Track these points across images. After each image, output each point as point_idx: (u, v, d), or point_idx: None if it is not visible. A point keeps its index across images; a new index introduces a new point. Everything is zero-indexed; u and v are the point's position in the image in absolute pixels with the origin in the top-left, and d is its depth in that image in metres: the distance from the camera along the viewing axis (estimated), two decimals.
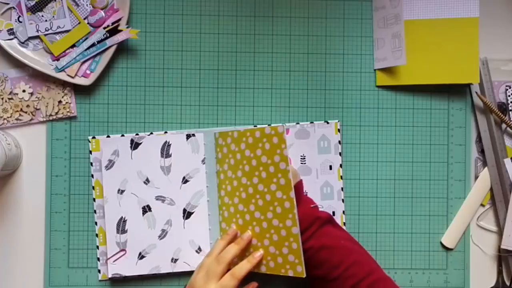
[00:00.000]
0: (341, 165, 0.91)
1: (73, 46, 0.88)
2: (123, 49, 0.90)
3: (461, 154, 0.92)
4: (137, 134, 0.89)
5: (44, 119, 0.89)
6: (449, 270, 0.92)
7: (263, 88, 0.91)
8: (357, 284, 0.77)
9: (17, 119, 0.89)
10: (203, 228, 0.88)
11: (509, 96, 0.91)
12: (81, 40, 0.88)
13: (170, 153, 0.88)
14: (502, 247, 0.90)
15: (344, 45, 0.92)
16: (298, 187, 0.83)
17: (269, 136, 0.80)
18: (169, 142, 0.89)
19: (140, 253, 0.88)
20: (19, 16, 0.88)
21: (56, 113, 0.89)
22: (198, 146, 0.89)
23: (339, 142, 0.90)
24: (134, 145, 0.88)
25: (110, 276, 0.88)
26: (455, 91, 0.92)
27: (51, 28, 0.88)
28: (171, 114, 0.90)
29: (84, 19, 0.88)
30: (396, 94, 0.92)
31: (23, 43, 0.88)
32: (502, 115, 0.90)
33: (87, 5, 0.88)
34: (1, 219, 0.90)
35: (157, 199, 0.88)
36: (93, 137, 0.89)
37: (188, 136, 0.89)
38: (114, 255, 0.88)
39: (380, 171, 0.91)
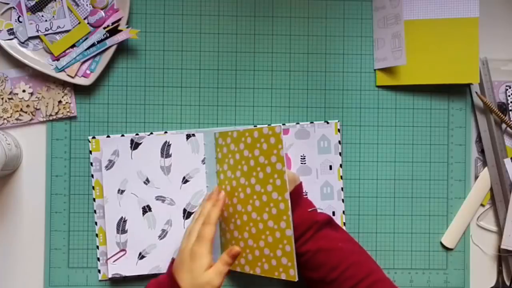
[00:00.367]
0: (341, 165, 0.91)
1: (73, 46, 0.88)
2: (123, 49, 0.90)
3: (461, 154, 0.92)
4: (137, 134, 0.89)
5: (44, 119, 0.89)
6: (449, 270, 0.92)
7: (263, 88, 0.91)
8: (355, 286, 0.77)
9: (17, 119, 0.89)
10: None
11: (509, 96, 0.91)
12: (81, 40, 0.88)
13: (170, 153, 0.88)
14: (502, 247, 0.90)
15: (344, 45, 0.92)
16: (298, 190, 0.82)
17: (267, 136, 0.80)
18: (169, 142, 0.89)
19: (140, 253, 0.88)
20: (19, 16, 0.88)
21: (56, 113, 0.89)
22: (198, 146, 0.89)
23: (339, 142, 0.90)
24: (134, 145, 0.88)
25: (110, 276, 0.88)
26: (455, 91, 0.92)
27: (51, 28, 0.88)
28: (171, 114, 0.90)
29: (84, 19, 0.88)
30: (396, 94, 0.92)
31: (23, 43, 0.88)
32: (502, 115, 0.90)
33: (87, 5, 0.88)
34: (1, 219, 0.90)
35: (157, 199, 0.88)
36: (93, 137, 0.89)
37: (188, 136, 0.89)
38: (114, 255, 0.88)
39: (380, 171, 0.91)
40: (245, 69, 0.91)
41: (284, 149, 0.78)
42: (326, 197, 0.90)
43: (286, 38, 0.91)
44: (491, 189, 0.92)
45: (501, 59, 0.92)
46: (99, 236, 0.89)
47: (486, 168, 0.92)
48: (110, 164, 0.88)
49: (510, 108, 0.91)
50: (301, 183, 0.84)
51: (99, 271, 0.89)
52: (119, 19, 0.88)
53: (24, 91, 0.89)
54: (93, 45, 0.88)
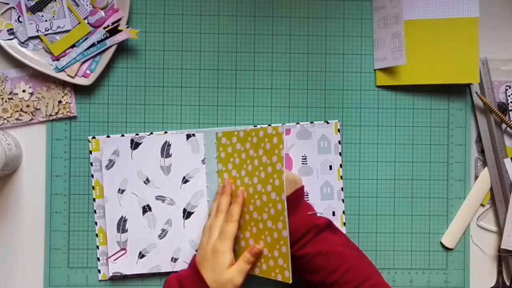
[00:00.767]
0: (341, 165, 0.91)
1: (73, 46, 0.88)
2: (123, 49, 0.90)
3: (461, 154, 0.92)
4: (137, 134, 0.89)
5: (44, 119, 0.89)
6: (449, 270, 0.92)
7: (263, 88, 0.91)
8: None
9: (17, 119, 0.89)
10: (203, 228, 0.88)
11: (509, 96, 0.91)
12: (81, 40, 0.88)
13: (170, 153, 0.88)
14: (502, 247, 0.90)
15: (344, 45, 0.92)
16: (299, 193, 0.82)
17: (270, 136, 0.80)
18: (169, 142, 0.89)
19: (140, 252, 0.88)
20: (19, 16, 0.88)
21: (56, 113, 0.89)
22: (198, 146, 0.89)
23: (339, 142, 0.90)
24: (134, 145, 0.88)
25: (110, 274, 0.88)
26: (455, 91, 0.92)
27: (51, 28, 0.88)
28: (171, 114, 0.90)
29: (84, 19, 0.88)
30: (396, 94, 0.92)
31: (23, 43, 0.88)
32: (502, 115, 0.90)
33: (87, 5, 0.88)
34: (1, 219, 0.90)
35: (157, 199, 0.88)
36: (93, 137, 0.89)
37: (188, 136, 0.89)
38: (115, 254, 0.88)
39: (380, 171, 0.91)
40: (245, 69, 0.91)
41: (285, 149, 0.78)
42: (326, 197, 0.90)
43: (286, 38, 0.91)
44: (491, 189, 0.92)
45: (501, 59, 0.92)
46: (99, 236, 0.89)
47: (486, 168, 0.92)
48: (110, 164, 0.88)
49: (510, 108, 0.91)
50: (302, 186, 0.84)
51: (99, 271, 0.89)
52: (119, 19, 0.88)
53: (24, 91, 0.89)
54: (93, 45, 0.88)
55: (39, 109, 0.89)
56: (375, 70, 0.92)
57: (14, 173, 0.90)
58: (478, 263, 0.92)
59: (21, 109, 0.89)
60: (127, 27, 0.87)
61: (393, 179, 0.92)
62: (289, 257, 0.77)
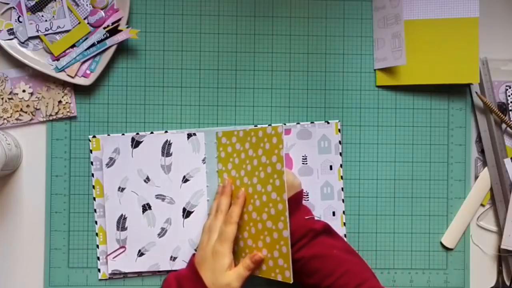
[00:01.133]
0: (341, 165, 0.91)
1: (73, 46, 0.88)
2: (123, 49, 0.90)
3: (461, 154, 0.92)
4: (137, 134, 0.89)
5: (44, 119, 0.89)
6: (449, 270, 0.92)
7: (263, 88, 0.91)
8: None
9: (17, 119, 0.89)
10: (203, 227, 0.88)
11: (509, 96, 0.91)
12: (81, 40, 0.88)
13: (170, 152, 0.89)
14: (502, 247, 0.90)
15: (344, 45, 0.92)
16: (297, 197, 0.82)
17: (270, 136, 0.80)
18: (169, 141, 0.89)
19: (139, 251, 0.88)
20: (19, 16, 0.88)
21: (56, 113, 0.89)
22: (199, 145, 0.89)
23: (340, 142, 0.90)
24: (135, 143, 0.88)
25: (109, 272, 0.88)
26: (455, 91, 0.92)
27: (51, 28, 0.88)
28: (171, 114, 0.90)
29: (84, 19, 0.88)
30: (396, 94, 0.92)
31: (23, 43, 0.88)
32: (502, 115, 0.90)
33: (87, 5, 0.88)
34: (1, 219, 0.90)
35: (157, 198, 0.88)
36: (94, 136, 0.89)
37: (189, 136, 0.89)
38: (114, 251, 0.88)
39: (380, 171, 0.91)
40: (245, 69, 0.91)
41: (284, 149, 0.78)
42: (326, 197, 0.90)
43: (286, 38, 0.91)
44: (491, 189, 0.92)
45: (501, 59, 0.92)
46: (99, 235, 0.89)
47: (486, 168, 0.92)
48: (111, 162, 0.88)
49: (510, 108, 0.91)
50: (301, 190, 0.84)
51: (99, 270, 0.89)
52: (119, 19, 0.88)
53: (24, 91, 0.89)
54: (93, 45, 0.88)
55: (39, 109, 0.89)
56: (375, 70, 0.92)
57: (14, 173, 0.90)
58: (478, 263, 0.92)
59: (21, 109, 0.89)
60: (127, 27, 0.87)
61: (393, 179, 0.92)
62: (290, 257, 0.77)
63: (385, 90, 0.92)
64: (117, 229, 0.88)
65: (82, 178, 0.90)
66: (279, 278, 0.79)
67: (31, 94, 0.89)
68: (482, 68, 0.91)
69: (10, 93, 0.89)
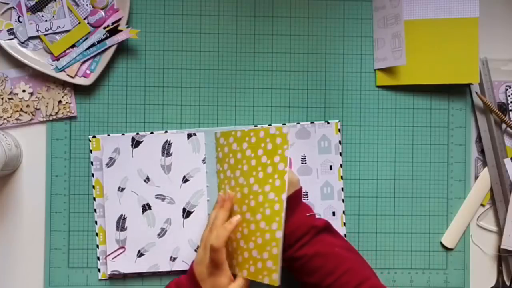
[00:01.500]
0: (341, 165, 0.91)
1: (73, 46, 0.88)
2: (123, 49, 0.90)
3: (461, 154, 0.92)
4: (137, 134, 0.89)
5: (44, 119, 0.89)
6: (449, 270, 0.92)
7: (263, 88, 0.91)
8: None
9: (17, 119, 0.89)
10: (202, 227, 0.88)
11: (509, 96, 0.91)
12: (81, 40, 0.88)
13: (170, 152, 0.88)
14: (502, 247, 0.90)
15: (344, 45, 0.92)
16: (297, 195, 0.82)
17: (273, 136, 0.79)
18: (170, 141, 0.89)
19: (139, 251, 0.88)
20: (19, 16, 0.88)
21: (56, 113, 0.89)
22: (199, 145, 0.89)
23: (340, 142, 0.90)
24: (135, 143, 0.88)
25: (109, 272, 0.88)
26: (455, 91, 0.92)
27: (51, 28, 0.88)
28: (171, 114, 0.90)
29: (84, 19, 0.88)
30: (396, 94, 0.92)
31: (23, 43, 0.88)
32: (502, 115, 0.90)
33: (87, 5, 0.88)
34: (1, 219, 0.90)
35: (157, 198, 0.88)
36: (94, 136, 0.89)
37: (189, 136, 0.89)
38: (113, 252, 0.88)
39: (380, 171, 0.91)
40: (245, 69, 0.91)
41: (289, 150, 0.78)
42: (326, 197, 0.90)
43: (286, 38, 0.91)
44: (491, 189, 0.92)
45: (501, 59, 0.92)
46: (99, 235, 0.89)
47: (486, 168, 0.92)
48: (111, 162, 0.88)
49: (510, 108, 0.91)
50: (301, 188, 0.84)
51: (98, 270, 0.89)
52: (119, 19, 0.88)
53: (24, 91, 0.89)
54: (93, 45, 0.88)
55: (39, 109, 0.89)
56: (375, 70, 0.92)
57: (14, 173, 0.90)
58: (478, 263, 0.92)
59: (21, 109, 0.89)
60: (127, 27, 0.88)
61: (393, 179, 0.92)
62: (280, 259, 0.76)
63: (385, 90, 0.92)
64: (117, 229, 0.88)
65: (82, 178, 0.90)
66: (266, 281, 0.77)
67: (31, 94, 0.89)
68: (482, 68, 0.91)
69: (10, 93, 0.89)
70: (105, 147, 0.88)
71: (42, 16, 0.88)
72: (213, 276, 0.79)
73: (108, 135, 0.89)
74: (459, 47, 0.88)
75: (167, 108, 0.90)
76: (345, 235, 0.90)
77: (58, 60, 0.88)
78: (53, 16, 0.88)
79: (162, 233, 0.88)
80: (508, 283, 0.92)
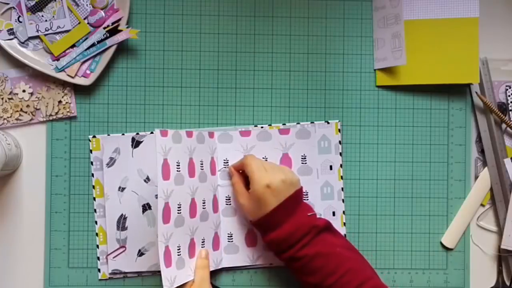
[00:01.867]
0: (341, 165, 0.91)
1: (73, 46, 0.88)
2: (123, 49, 0.90)
3: (461, 154, 0.92)
4: (137, 134, 0.89)
5: (44, 119, 0.89)
6: (449, 270, 0.92)
7: (263, 88, 0.91)
8: None
9: (17, 119, 0.89)
10: None
11: (509, 96, 0.91)
12: (81, 40, 0.88)
13: None
14: (502, 247, 0.90)
15: (344, 45, 0.92)
16: (297, 194, 0.82)
17: None
18: None
19: (139, 250, 0.88)
20: (19, 16, 0.88)
21: (56, 113, 0.89)
22: None
23: (340, 142, 0.90)
24: (135, 143, 0.88)
25: (109, 271, 0.88)
26: (455, 91, 0.92)
27: (51, 28, 0.88)
28: (171, 114, 0.90)
29: (84, 19, 0.88)
30: (396, 94, 0.92)
31: (23, 43, 0.88)
32: (502, 115, 0.90)
33: (87, 5, 0.88)
34: (1, 219, 0.90)
35: (157, 198, 0.88)
36: (94, 136, 0.89)
37: None
38: (114, 251, 0.88)
39: (380, 171, 0.91)
40: (245, 69, 0.91)
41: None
42: (327, 197, 0.90)
43: (286, 38, 0.91)
44: (491, 189, 0.92)
45: (501, 59, 0.92)
46: (99, 235, 0.89)
47: (486, 168, 0.92)
48: (111, 162, 0.88)
49: (510, 108, 0.91)
50: (301, 188, 0.84)
51: (99, 270, 0.89)
52: (119, 19, 0.88)
53: (24, 91, 0.89)
54: (93, 45, 0.88)
55: (39, 109, 0.89)
56: (375, 70, 0.92)
57: (14, 173, 0.90)
58: (478, 263, 0.92)
59: (21, 109, 0.89)
60: (127, 27, 0.88)
61: (393, 179, 0.92)
62: None
63: (385, 90, 0.92)
64: (117, 229, 0.88)
65: (82, 178, 0.90)
66: None
67: (31, 94, 0.89)
68: (482, 68, 0.91)
69: (10, 93, 0.89)
70: (105, 147, 0.88)
71: (42, 16, 0.88)
72: None
73: (108, 135, 0.89)
74: (459, 47, 0.88)
75: (167, 108, 0.90)
76: (345, 235, 0.91)
77: (58, 60, 0.88)
78: (53, 16, 0.88)
79: None
80: (508, 283, 0.92)
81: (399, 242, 0.91)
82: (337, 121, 0.91)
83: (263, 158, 0.89)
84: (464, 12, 0.88)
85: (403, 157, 0.92)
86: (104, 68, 0.88)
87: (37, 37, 0.88)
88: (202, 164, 0.85)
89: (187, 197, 0.81)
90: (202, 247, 0.85)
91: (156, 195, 0.87)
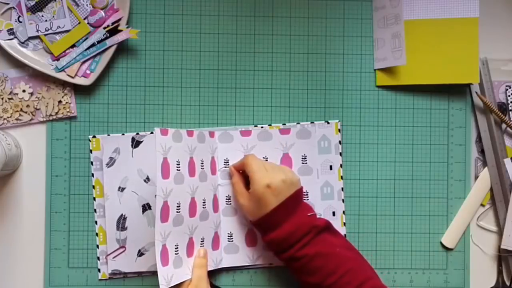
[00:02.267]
0: (341, 165, 0.91)
1: (73, 46, 0.88)
2: (123, 49, 0.90)
3: (461, 154, 0.92)
4: (137, 134, 0.89)
5: (44, 119, 0.89)
6: (449, 270, 0.92)
7: (263, 88, 0.91)
8: None
9: (17, 119, 0.89)
10: None
11: (509, 96, 0.91)
12: (81, 40, 0.88)
13: None
14: (502, 247, 0.90)
15: (344, 45, 0.92)
16: (297, 194, 0.82)
17: None
18: None
19: (139, 251, 0.88)
20: (19, 16, 0.88)
21: (56, 113, 0.89)
22: None
23: (340, 142, 0.90)
24: (135, 143, 0.88)
25: (109, 271, 0.88)
26: (455, 91, 0.92)
27: (51, 28, 0.88)
28: (171, 114, 0.90)
29: (84, 19, 0.88)
30: (396, 94, 0.92)
31: (23, 43, 0.88)
32: (502, 115, 0.90)
33: (87, 5, 0.88)
34: (1, 219, 0.90)
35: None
36: (94, 136, 0.89)
37: None
38: (114, 251, 0.88)
39: (380, 171, 0.91)
40: (245, 69, 0.91)
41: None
42: (327, 197, 0.90)
43: (286, 38, 0.91)
44: (491, 189, 0.92)
45: (501, 59, 0.92)
46: (99, 235, 0.89)
47: (486, 168, 0.92)
48: (111, 162, 0.88)
49: (510, 108, 0.91)
50: (301, 188, 0.84)
51: (99, 270, 0.89)
52: (119, 19, 0.88)
53: (24, 91, 0.89)
54: (93, 45, 0.88)
55: (39, 109, 0.89)
56: (375, 70, 0.92)
57: (14, 173, 0.90)
58: (478, 263, 0.92)
59: (21, 109, 0.89)
60: (127, 27, 0.88)
61: (393, 179, 0.92)
62: None
63: (385, 90, 0.92)
64: (117, 229, 0.88)
65: (82, 178, 0.90)
66: None
67: (31, 94, 0.89)
68: (482, 68, 0.91)
69: (10, 93, 0.89)
70: (105, 147, 0.88)
71: (42, 16, 0.88)
72: None
73: (108, 135, 0.89)
74: (459, 47, 0.88)
75: (167, 108, 0.90)
76: (345, 235, 0.91)
77: (58, 60, 0.88)
78: (53, 16, 0.88)
79: None
80: (508, 283, 0.92)
81: (399, 242, 0.91)
82: (337, 121, 0.91)
83: (263, 158, 0.89)
84: (464, 12, 0.88)
85: (403, 157, 0.92)
86: (104, 68, 0.88)
87: (37, 37, 0.88)
88: (202, 163, 0.85)
89: (186, 196, 0.81)
90: (201, 246, 0.85)
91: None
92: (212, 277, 0.88)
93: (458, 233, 0.91)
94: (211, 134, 0.88)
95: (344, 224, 0.91)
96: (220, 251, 0.89)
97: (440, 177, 0.92)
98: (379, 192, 0.91)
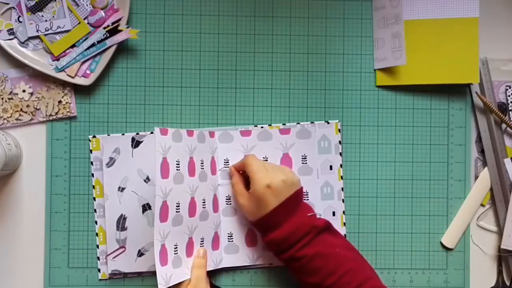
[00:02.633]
0: (341, 165, 0.91)
1: (73, 46, 0.88)
2: (123, 49, 0.90)
3: (461, 154, 0.92)
4: (137, 134, 0.89)
5: (44, 119, 0.89)
6: (449, 270, 0.92)
7: (263, 88, 0.91)
8: None
9: (17, 119, 0.89)
10: None
11: (509, 96, 0.91)
12: (81, 40, 0.88)
13: None
14: (502, 247, 0.90)
15: (344, 45, 0.92)
16: (297, 194, 0.82)
17: None
18: None
19: (139, 251, 0.88)
20: (19, 16, 0.88)
21: (56, 113, 0.89)
22: None
23: (340, 142, 0.90)
24: (135, 143, 0.88)
25: (109, 272, 0.88)
26: (455, 91, 0.92)
27: (51, 28, 0.88)
28: (171, 114, 0.90)
29: (84, 19, 0.88)
30: (396, 94, 0.92)
31: (23, 43, 0.88)
32: (502, 115, 0.90)
33: (87, 5, 0.88)
34: (1, 219, 0.90)
35: None
36: (94, 136, 0.89)
37: None
38: (114, 251, 0.88)
39: (380, 171, 0.91)
40: (245, 69, 0.91)
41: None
42: (327, 197, 0.90)
43: (286, 38, 0.91)
44: (491, 189, 0.92)
45: (501, 59, 0.92)
46: (99, 235, 0.89)
47: (486, 168, 0.92)
48: (111, 162, 0.88)
49: (510, 108, 0.91)
50: (301, 188, 0.84)
51: (99, 270, 0.89)
52: (119, 19, 0.88)
53: (24, 91, 0.89)
54: (93, 45, 0.88)
55: (39, 109, 0.89)
56: (375, 70, 0.92)
57: (14, 173, 0.90)
58: (478, 263, 0.92)
59: (21, 109, 0.89)
60: (127, 27, 0.88)
61: (393, 179, 0.92)
62: None
63: (385, 90, 0.92)
64: (117, 229, 0.88)
65: (82, 178, 0.90)
66: None
67: (31, 94, 0.89)
68: (482, 68, 0.91)
69: (10, 93, 0.89)
70: (105, 147, 0.88)
71: (42, 16, 0.88)
72: None
73: (108, 135, 0.89)
74: (459, 47, 0.88)
75: (167, 108, 0.90)
76: (345, 235, 0.90)
77: (58, 60, 0.88)
78: (53, 16, 0.88)
79: None
80: (508, 283, 0.92)
81: (399, 242, 0.91)
82: (337, 121, 0.91)
83: (263, 158, 0.89)
84: (464, 12, 0.88)
85: (403, 157, 0.92)
86: (104, 68, 0.88)
87: (37, 37, 0.88)
88: (202, 163, 0.85)
89: (186, 196, 0.81)
90: (201, 246, 0.85)
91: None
92: (212, 277, 0.89)
93: (458, 233, 0.91)
94: (211, 134, 0.88)
95: (344, 224, 0.91)
96: (220, 251, 0.89)
97: (440, 177, 0.92)
98: (379, 192, 0.91)
